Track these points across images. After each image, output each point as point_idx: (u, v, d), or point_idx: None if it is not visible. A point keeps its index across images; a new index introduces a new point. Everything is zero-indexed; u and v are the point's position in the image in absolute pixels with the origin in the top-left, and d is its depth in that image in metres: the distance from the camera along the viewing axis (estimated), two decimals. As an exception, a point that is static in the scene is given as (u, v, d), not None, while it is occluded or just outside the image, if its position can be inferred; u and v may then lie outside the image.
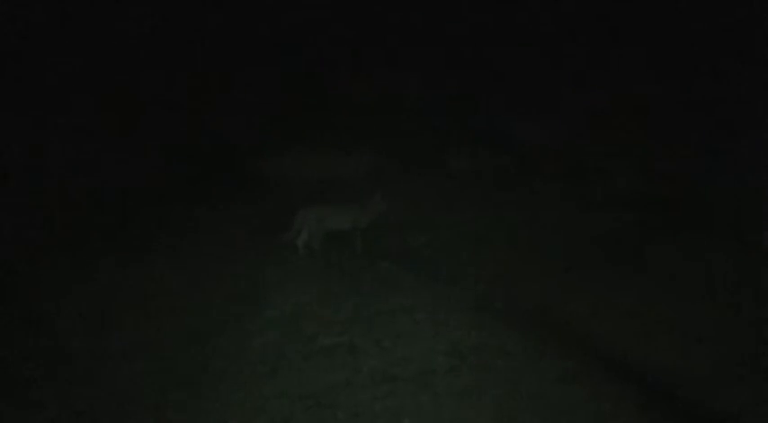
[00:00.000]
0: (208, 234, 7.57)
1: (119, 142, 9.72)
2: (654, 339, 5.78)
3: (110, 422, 4.87)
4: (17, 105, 9.99)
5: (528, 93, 11.05)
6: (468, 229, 7.68)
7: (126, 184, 8.75)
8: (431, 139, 10.08)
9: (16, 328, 5.90)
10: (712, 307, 6.25)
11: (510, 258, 7.10)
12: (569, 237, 7.51)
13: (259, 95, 11.08)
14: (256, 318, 6.06)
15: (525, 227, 7.72)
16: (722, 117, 9.75)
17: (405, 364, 5.42)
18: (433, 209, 8.14)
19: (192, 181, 8.83)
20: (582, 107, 10.56)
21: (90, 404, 5.00)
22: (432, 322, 5.97)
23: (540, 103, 10.77)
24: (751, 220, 7.59)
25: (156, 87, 11.00)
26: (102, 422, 4.87)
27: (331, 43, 12.19)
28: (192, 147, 9.74)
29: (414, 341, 5.70)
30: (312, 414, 4.94)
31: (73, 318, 6.02)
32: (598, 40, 11.90)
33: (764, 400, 5.13)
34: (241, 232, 7.60)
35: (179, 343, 5.70)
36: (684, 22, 11.59)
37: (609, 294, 6.43)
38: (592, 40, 11.97)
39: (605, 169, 9.15)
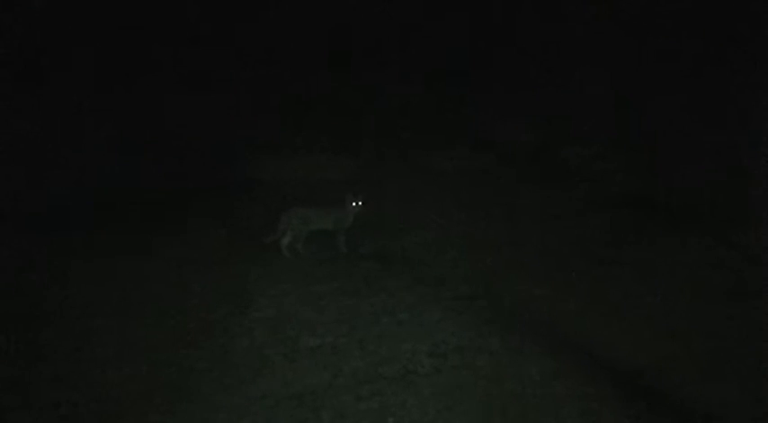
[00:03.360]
0: (190, 236, 7.55)
1: (106, 143, 9.66)
2: (639, 338, 5.81)
3: (93, 425, 4.86)
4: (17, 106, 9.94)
5: (514, 92, 11.07)
6: (452, 230, 7.70)
7: (109, 185, 8.70)
8: (415, 140, 10.08)
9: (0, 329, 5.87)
10: (698, 306, 6.30)
11: (494, 258, 7.13)
12: (554, 237, 7.54)
13: (244, 97, 11.04)
14: (240, 320, 6.05)
15: (509, 227, 7.75)
16: (712, 117, 9.80)
17: (388, 365, 5.44)
18: (417, 209, 8.16)
19: (176, 183, 8.79)
20: (568, 107, 10.58)
21: (73, 407, 4.98)
22: (415, 323, 6.00)
23: (526, 102, 10.79)
24: (737, 220, 7.65)
25: (148, 88, 10.95)
26: (86, 425, 4.86)
27: (314, 44, 12.16)
28: (175, 149, 9.69)
29: (397, 341, 5.72)
30: (296, 415, 4.94)
31: (55, 320, 5.99)
32: (585, 39, 11.93)
33: (749, 398, 5.17)
34: (224, 234, 7.59)
35: (163, 345, 5.68)
36: (676, 19, 11.63)
37: (593, 294, 6.46)
38: (579, 38, 12.00)
39: (591, 170, 9.19)
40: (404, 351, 5.60)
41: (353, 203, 7.14)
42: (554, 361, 5.49)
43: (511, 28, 12.28)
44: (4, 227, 7.59)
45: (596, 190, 8.65)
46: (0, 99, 9.67)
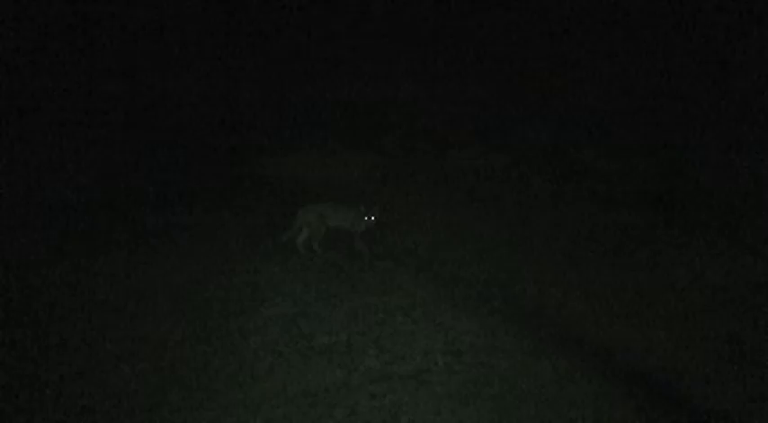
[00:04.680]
0: (207, 234, 7.56)
1: (119, 141, 9.71)
2: (651, 338, 5.79)
3: (107, 421, 4.87)
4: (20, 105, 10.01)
5: (527, 92, 11.04)
6: (466, 229, 7.67)
7: (126, 183, 8.75)
8: (429, 139, 10.07)
9: (14, 326, 5.89)
10: (710, 306, 6.27)
11: (507, 258, 7.11)
12: (567, 236, 7.51)
13: (257, 96, 11.07)
14: (255, 317, 6.06)
15: (523, 226, 7.72)
16: (719, 117, 9.74)
17: (402, 363, 5.44)
18: (431, 208, 8.13)
19: (192, 181, 8.82)
20: (579, 107, 10.55)
21: (87, 403, 5.00)
22: (429, 321, 5.98)
23: (539, 102, 10.76)
24: (745, 218, 7.60)
25: (157, 88, 11.00)
26: (100, 421, 4.87)
27: (329, 44, 12.19)
28: (192, 147, 9.73)
29: (411, 340, 5.72)
30: (309, 412, 4.94)
31: (71, 317, 6.02)
32: (596, 41, 11.90)
33: (761, 398, 5.13)
34: (240, 232, 7.59)
35: (177, 342, 5.70)
36: (684, 22, 11.59)
37: (606, 293, 6.44)
38: (590, 40, 11.97)
39: (605, 170, 9.14)
40: (418, 350, 5.59)
41: (365, 218, 7.07)
42: (568, 361, 5.48)
43: (528, 31, 12.28)
44: (12, 224, 7.63)
45: (611, 190, 8.60)
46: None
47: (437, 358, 5.50)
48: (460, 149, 9.84)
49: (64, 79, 10.80)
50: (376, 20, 12.53)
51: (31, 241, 7.31)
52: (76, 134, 9.73)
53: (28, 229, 7.56)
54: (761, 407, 5.05)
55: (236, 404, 5.02)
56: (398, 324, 5.95)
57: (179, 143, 9.79)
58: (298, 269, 6.89)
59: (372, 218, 7.07)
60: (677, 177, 8.63)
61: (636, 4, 12.09)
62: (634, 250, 7.18)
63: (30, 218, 7.83)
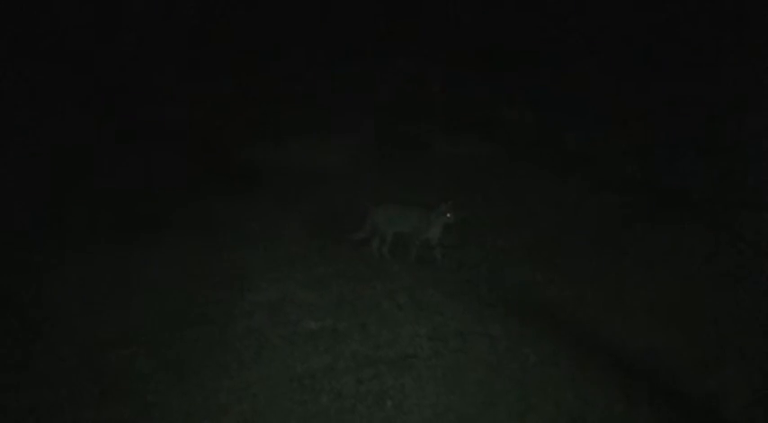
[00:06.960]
0: (193, 222, 7.50)
1: (113, 133, 9.62)
2: (637, 323, 5.83)
3: (91, 407, 4.86)
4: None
5: (518, 79, 11.04)
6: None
7: (117, 172, 8.66)
8: (418, 124, 10.04)
9: (2, 312, 5.87)
10: (696, 291, 6.31)
11: (495, 243, 7.11)
12: (554, 222, 7.52)
13: (247, 86, 11.00)
14: (240, 303, 6.05)
15: (511, 212, 7.72)
16: (709, 106, 9.78)
17: (388, 348, 5.47)
18: (418, 193, 8.12)
19: (179, 171, 8.75)
20: (570, 91, 10.55)
21: (71, 389, 5.00)
22: (415, 306, 6.00)
23: (531, 89, 10.75)
24: (738, 206, 7.65)
25: (153, 81, 10.92)
26: (84, 407, 4.86)
27: (319, 31, 12.14)
28: (179, 138, 9.65)
29: (397, 325, 5.74)
30: (295, 398, 4.97)
31: (56, 303, 5.99)
32: (592, 29, 11.90)
33: (746, 383, 5.19)
34: (226, 220, 7.55)
35: (163, 328, 5.68)
36: (680, 14, 11.62)
37: (593, 279, 6.46)
38: (585, 27, 11.98)
39: (592, 154, 9.16)
40: (404, 335, 5.62)
41: (443, 216, 6.62)
42: (553, 346, 5.52)
43: (522, 16, 12.27)
44: (4, 208, 7.58)
45: (597, 175, 8.61)
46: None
47: (423, 343, 5.53)
48: (446, 134, 9.82)
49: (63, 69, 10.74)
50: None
51: (19, 225, 7.25)
52: (60, 124, 9.62)
53: (18, 213, 7.49)
54: (743, 389, 5.11)
55: (221, 389, 5.03)
56: (385, 309, 5.97)
57: (172, 133, 9.71)
58: (282, 256, 6.85)
59: (448, 215, 6.63)
60: (667, 162, 8.66)
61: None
62: (622, 235, 7.21)
63: (20, 202, 7.73)
